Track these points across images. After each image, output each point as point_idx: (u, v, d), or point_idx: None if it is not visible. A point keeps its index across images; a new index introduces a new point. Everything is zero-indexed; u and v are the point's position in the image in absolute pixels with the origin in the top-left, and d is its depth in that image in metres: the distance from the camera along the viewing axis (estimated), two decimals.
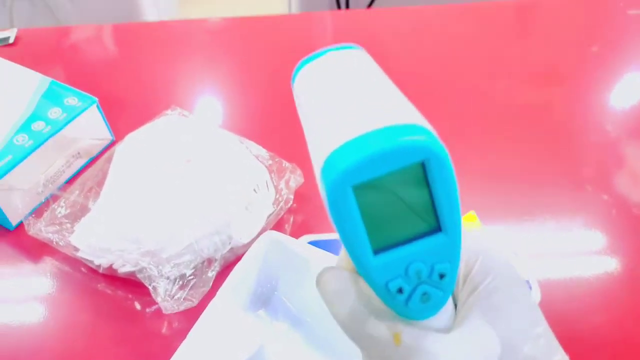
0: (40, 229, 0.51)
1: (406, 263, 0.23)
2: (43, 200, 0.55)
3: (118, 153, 0.54)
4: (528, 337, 0.25)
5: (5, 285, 0.51)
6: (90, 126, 0.59)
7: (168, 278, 0.45)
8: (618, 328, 0.47)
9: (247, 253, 0.44)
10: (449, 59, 0.75)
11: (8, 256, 0.53)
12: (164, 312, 0.45)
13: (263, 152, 0.56)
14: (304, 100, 0.26)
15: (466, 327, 0.25)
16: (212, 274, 0.47)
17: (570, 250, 0.53)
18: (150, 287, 0.45)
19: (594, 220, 0.55)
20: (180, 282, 0.46)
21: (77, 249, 0.49)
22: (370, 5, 1.38)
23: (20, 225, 0.55)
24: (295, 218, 0.55)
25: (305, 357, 0.43)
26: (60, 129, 0.56)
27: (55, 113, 0.57)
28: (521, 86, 0.70)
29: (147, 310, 0.48)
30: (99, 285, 0.50)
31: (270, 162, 0.55)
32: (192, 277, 0.47)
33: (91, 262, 0.49)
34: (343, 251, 0.28)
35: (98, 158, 0.58)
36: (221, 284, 0.43)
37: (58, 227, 0.51)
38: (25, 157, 0.53)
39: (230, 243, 0.49)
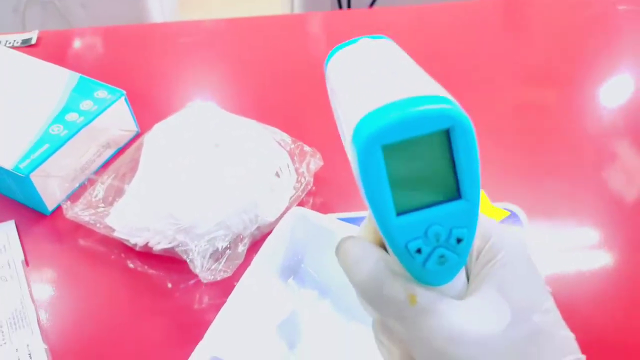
0: (77, 213, 0.54)
1: (426, 225, 0.24)
2: (77, 186, 0.58)
3: (148, 141, 0.57)
4: (537, 309, 0.26)
5: (44, 265, 0.54)
6: (118, 118, 0.62)
7: (203, 252, 0.49)
8: (612, 321, 0.48)
9: (276, 227, 0.48)
10: (450, 57, 0.76)
11: (47, 239, 0.56)
12: (202, 281, 0.49)
13: (285, 136, 0.59)
14: (335, 80, 0.28)
15: (478, 295, 0.26)
16: (242, 249, 0.51)
17: (565, 246, 0.54)
18: (187, 260, 0.49)
19: (590, 217, 0.56)
20: (215, 256, 0.49)
21: (113, 230, 0.53)
22: (372, 5, 1.42)
23: (55, 210, 0.58)
24: (314, 200, 0.58)
25: (333, 322, 0.47)
26: (93, 119, 0.59)
27: (87, 105, 0.60)
28: (517, 83, 0.72)
29: (181, 285, 0.51)
30: (134, 263, 0.53)
31: (292, 146, 0.58)
32: (226, 249, 0.50)
33: (127, 241, 0.52)
34: (362, 224, 0.30)
35: (126, 148, 0.61)
36: (251, 259, 0.46)
37: (94, 210, 0.54)
38: (61, 146, 0.56)
39: (257, 221, 0.52)
